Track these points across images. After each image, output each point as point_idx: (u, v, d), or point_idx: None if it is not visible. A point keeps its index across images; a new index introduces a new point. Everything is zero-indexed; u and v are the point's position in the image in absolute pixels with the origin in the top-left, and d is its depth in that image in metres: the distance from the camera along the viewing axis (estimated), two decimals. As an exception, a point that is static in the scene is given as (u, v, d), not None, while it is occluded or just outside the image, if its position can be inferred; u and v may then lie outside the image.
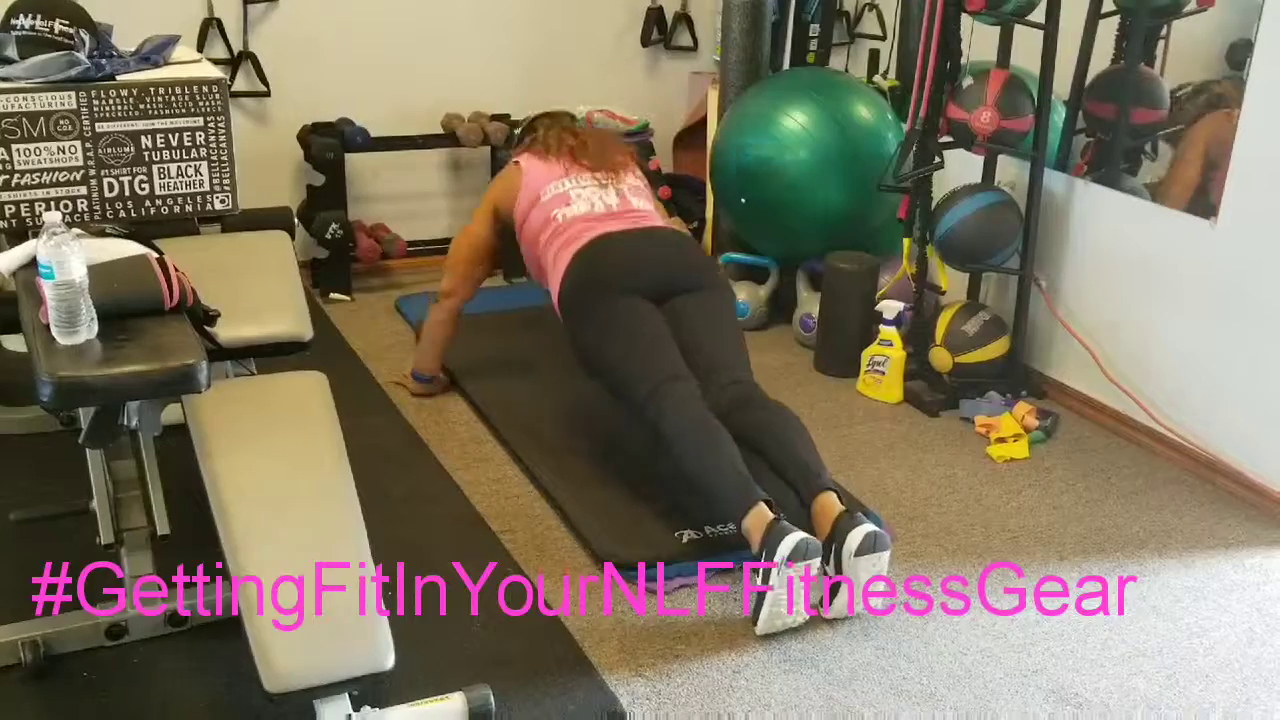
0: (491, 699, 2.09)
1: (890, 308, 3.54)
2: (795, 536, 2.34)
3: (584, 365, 3.00)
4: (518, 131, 3.59)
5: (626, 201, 3.11)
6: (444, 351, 3.42)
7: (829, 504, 2.51)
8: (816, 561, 2.37)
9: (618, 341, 2.82)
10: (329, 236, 4.01)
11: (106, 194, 2.32)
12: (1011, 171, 3.58)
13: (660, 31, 4.66)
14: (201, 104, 2.35)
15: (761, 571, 2.38)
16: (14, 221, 2.27)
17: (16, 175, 2.25)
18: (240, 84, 4.03)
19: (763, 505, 2.46)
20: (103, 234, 2.14)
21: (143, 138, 2.32)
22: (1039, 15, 3.26)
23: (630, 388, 2.75)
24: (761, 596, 2.39)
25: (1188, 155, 3.17)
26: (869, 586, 2.45)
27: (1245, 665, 2.42)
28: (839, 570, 2.43)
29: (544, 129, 3.36)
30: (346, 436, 2.22)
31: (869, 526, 2.42)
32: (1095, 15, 3.34)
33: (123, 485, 2.28)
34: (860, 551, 2.39)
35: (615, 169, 3.18)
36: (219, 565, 2.05)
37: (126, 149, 2.32)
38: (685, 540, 2.69)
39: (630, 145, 3.40)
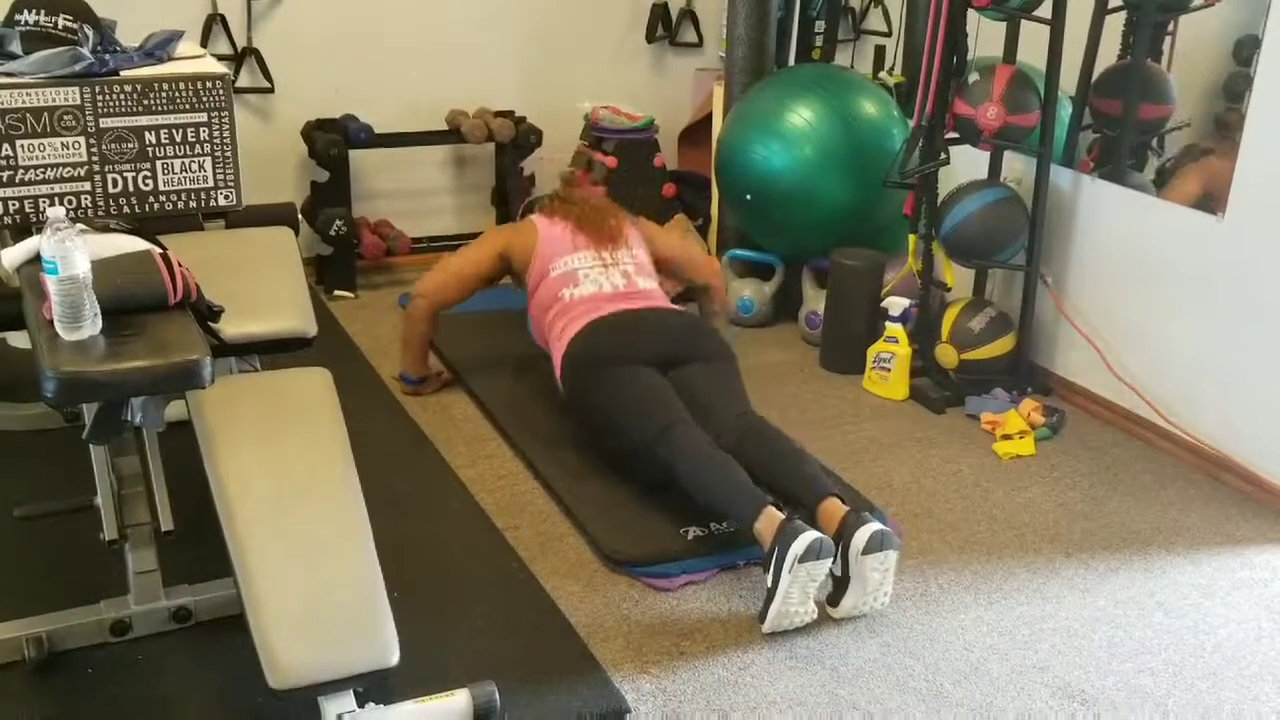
0: (496, 696, 2.08)
1: (896, 304, 3.53)
2: (809, 536, 2.34)
3: (591, 432, 3.04)
4: (521, 210, 3.66)
5: (633, 283, 3.16)
6: (426, 350, 3.43)
7: (834, 506, 2.51)
8: (828, 562, 2.37)
9: (620, 398, 2.84)
10: (333, 233, 4.00)
11: (110, 189, 2.32)
12: (1017, 167, 3.56)
13: (665, 28, 4.65)
14: (205, 100, 2.35)
15: (771, 570, 2.37)
16: (18, 217, 2.27)
17: (20, 171, 2.25)
18: (244, 80, 4.03)
19: (772, 507, 2.47)
20: (107, 229, 2.14)
21: (146, 133, 2.32)
22: (1045, 10, 3.25)
23: (640, 434, 2.76)
24: (770, 594, 2.38)
25: (1186, 188, 3.18)
26: (876, 589, 2.44)
27: (1253, 662, 2.41)
28: (846, 570, 2.42)
29: (544, 200, 3.48)
30: (351, 433, 2.22)
31: (876, 525, 2.41)
32: (1102, 10, 3.33)
33: (127, 481, 2.28)
34: (868, 550, 2.39)
35: (615, 237, 3.24)
36: (223, 562, 2.04)
37: (130, 144, 2.31)
38: (691, 537, 2.68)
39: (619, 207, 3.44)
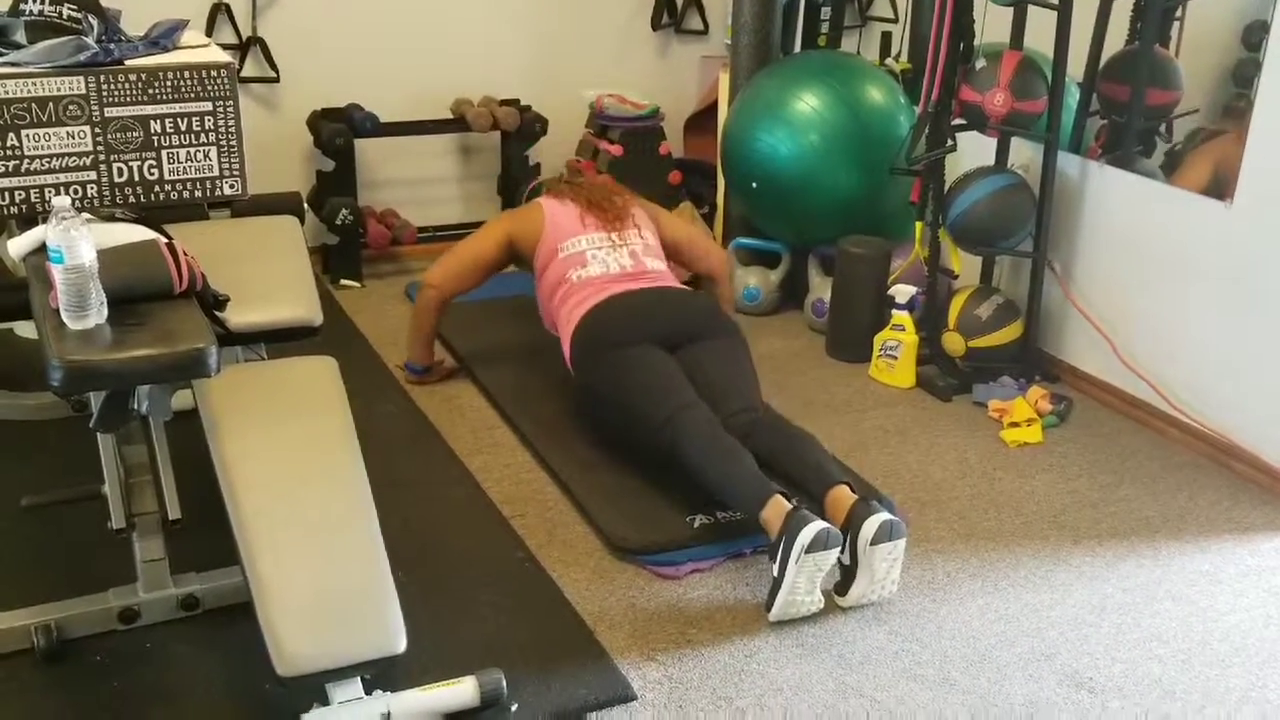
0: (503, 683, 2.09)
1: (903, 292, 3.52)
2: (817, 525, 2.34)
3: (597, 412, 3.04)
4: (526, 194, 3.65)
5: (640, 263, 3.16)
6: (433, 340, 3.43)
7: (842, 494, 2.51)
8: (835, 552, 2.36)
9: (630, 381, 2.84)
10: (339, 222, 4.00)
11: (116, 179, 2.32)
12: (1025, 154, 3.55)
13: (670, 15, 4.63)
14: (210, 89, 2.34)
15: (778, 560, 2.37)
16: (24, 207, 2.27)
17: (26, 160, 2.25)
18: (249, 69, 4.02)
19: (779, 496, 2.46)
20: (112, 219, 2.14)
21: (152, 123, 2.32)
22: (1053, -4, 3.24)
23: (645, 418, 2.76)
24: (777, 583, 2.38)
25: (1195, 169, 3.16)
26: (884, 578, 2.44)
27: (1261, 649, 2.41)
28: (854, 559, 2.42)
29: (549, 183, 3.48)
30: (356, 421, 2.22)
31: (885, 515, 2.41)
32: (1110, -5, 3.32)
33: (134, 470, 2.28)
34: (876, 540, 2.38)
35: (623, 217, 3.24)
36: (230, 550, 2.05)
37: (135, 134, 2.31)
38: (697, 525, 2.68)
39: (626, 188, 3.44)
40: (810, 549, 2.32)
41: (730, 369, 2.91)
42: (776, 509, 2.43)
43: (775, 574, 2.39)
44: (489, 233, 3.34)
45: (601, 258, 3.14)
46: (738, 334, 3.04)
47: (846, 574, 2.45)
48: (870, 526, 2.39)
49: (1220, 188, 3.07)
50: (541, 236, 3.23)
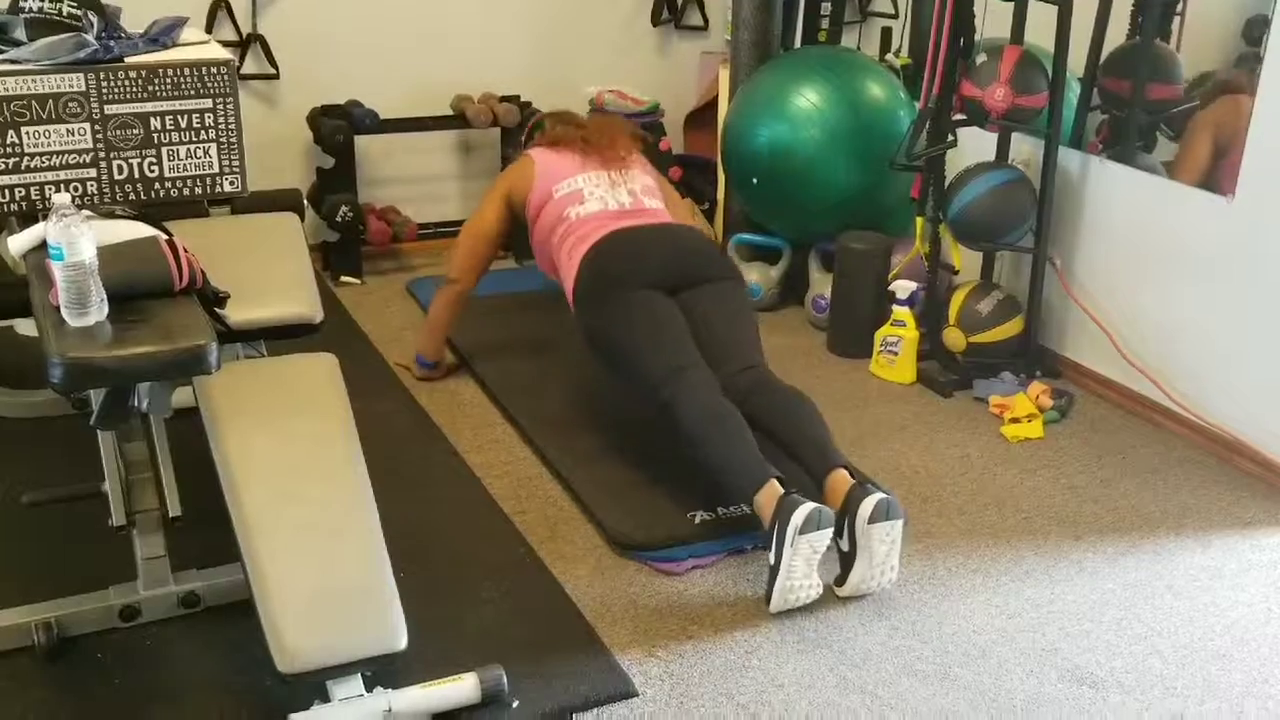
0: (504, 679, 2.09)
1: (903, 288, 3.51)
2: (808, 506, 2.34)
3: (596, 355, 3.00)
4: (525, 132, 3.60)
5: (639, 201, 3.13)
6: (446, 335, 3.42)
7: (841, 479, 2.51)
8: (829, 532, 2.36)
9: (631, 331, 2.82)
10: (339, 219, 4.00)
11: (116, 176, 2.32)
12: (1025, 149, 3.55)
13: (670, 11, 4.63)
14: (210, 86, 2.34)
15: (774, 546, 2.37)
16: (24, 204, 2.27)
17: (26, 158, 2.25)
18: (249, 66, 4.02)
19: (774, 481, 2.46)
20: (112, 216, 2.14)
21: (152, 120, 2.32)
22: (1053, -9, 3.23)
23: (644, 375, 2.75)
24: (774, 571, 2.38)
25: (1196, 139, 3.14)
26: (883, 562, 2.44)
27: (1263, 644, 2.40)
28: (853, 542, 2.41)
29: (549, 125, 3.40)
30: (357, 418, 2.22)
31: (880, 494, 2.41)
32: (1110, -10, 3.31)
33: (134, 467, 2.28)
34: (873, 519, 2.38)
35: (625, 161, 3.21)
36: (231, 547, 2.05)
37: (135, 131, 2.31)
38: (698, 521, 2.68)
39: (635, 126, 3.39)
40: (804, 529, 2.32)
41: (732, 322, 2.89)
42: (769, 495, 2.43)
43: (771, 561, 2.39)
44: (485, 204, 3.31)
45: (600, 195, 3.10)
46: (739, 278, 3.03)
47: (845, 561, 2.45)
48: (867, 506, 2.39)
49: (1220, 154, 3.04)
50: (534, 184, 3.19)
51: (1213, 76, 3.14)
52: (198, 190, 2.39)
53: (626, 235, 2.98)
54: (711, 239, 3.14)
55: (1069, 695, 2.24)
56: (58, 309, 1.88)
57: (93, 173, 2.30)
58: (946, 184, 3.49)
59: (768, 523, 2.41)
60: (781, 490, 2.43)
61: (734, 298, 2.96)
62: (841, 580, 2.47)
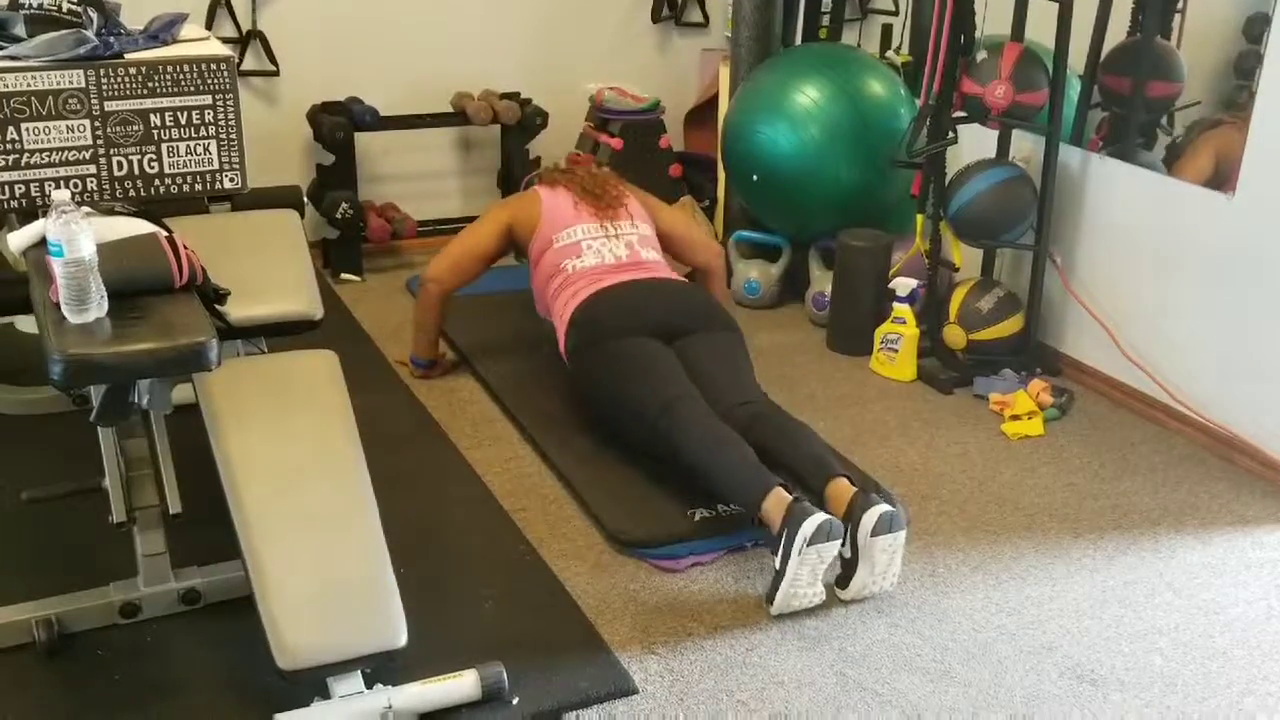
0: (504, 676, 2.10)
1: (903, 285, 3.51)
2: (819, 518, 2.34)
3: (592, 405, 3.04)
4: (524, 185, 3.61)
5: (636, 254, 3.16)
6: (438, 335, 3.42)
7: (842, 487, 2.50)
8: (837, 544, 2.36)
9: (625, 373, 2.85)
10: (339, 216, 4.00)
11: (116, 173, 2.32)
12: (1026, 146, 3.55)
13: (671, 8, 4.62)
14: (210, 82, 2.34)
15: (780, 552, 2.37)
16: (24, 201, 2.27)
17: (26, 154, 2.25)
18: (249, 63, 4.01)
19: (780, 488, 2.46)
20: (112, 212, 2.14)
21: (151, 116, 2.32)
22: (1054, -12, 3.23)
23: (641, 409, 2.76)
24: (779, 576, 2.38)
25: (1197, 160, 3.15)
26: (884, 570, 2.44)
27: (1263, 642, 2.40)
28: (855, 551, 2.41)
29: (544, 171, 3.47)
30: (357, 415, 2.22)
31: (884, 507, 2.41)
32: (1111, -13, 3.31)
33: (134, 464, 2.28)
34: (876, 531, 2.38)
35: (617, 206, 3.25)
36: (231, 544, 2.05)
37: (135, 127, 2.31)
38: (697, 518, 2.68)
39: (621, 178, 3.43)
40: (813, 540, 2.32)
41: (727, 364, 2.91)
42: (777, 502, 2.43)
43: (777, 567, 2.39)
44: (487, 222, 3.33)
45: (597, 248, 3.14)
46: (735, 329, 3.04)
47: (847, 566, 2.45)
48: (870, 518, 2.39)
49: (1222, 180, 3.06)
50: (538, 225, 3.23)
51: (1206, 120, 3.17)
52: (198, 187, 2.39)
53: (622, 290, 3.02)
54: (709, 296, 3.17)
55: (1069, 692, 2.24)
56: (58, 306, 1.88)
57: (93, 169, 2.30)
58: (947, 181, 3.49)
59: (776, 528, 2.40)
60: (790, 497, 2.43)
61: (730, 344, 2.98)
62: (844, 584, 2.46)
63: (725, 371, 2.88)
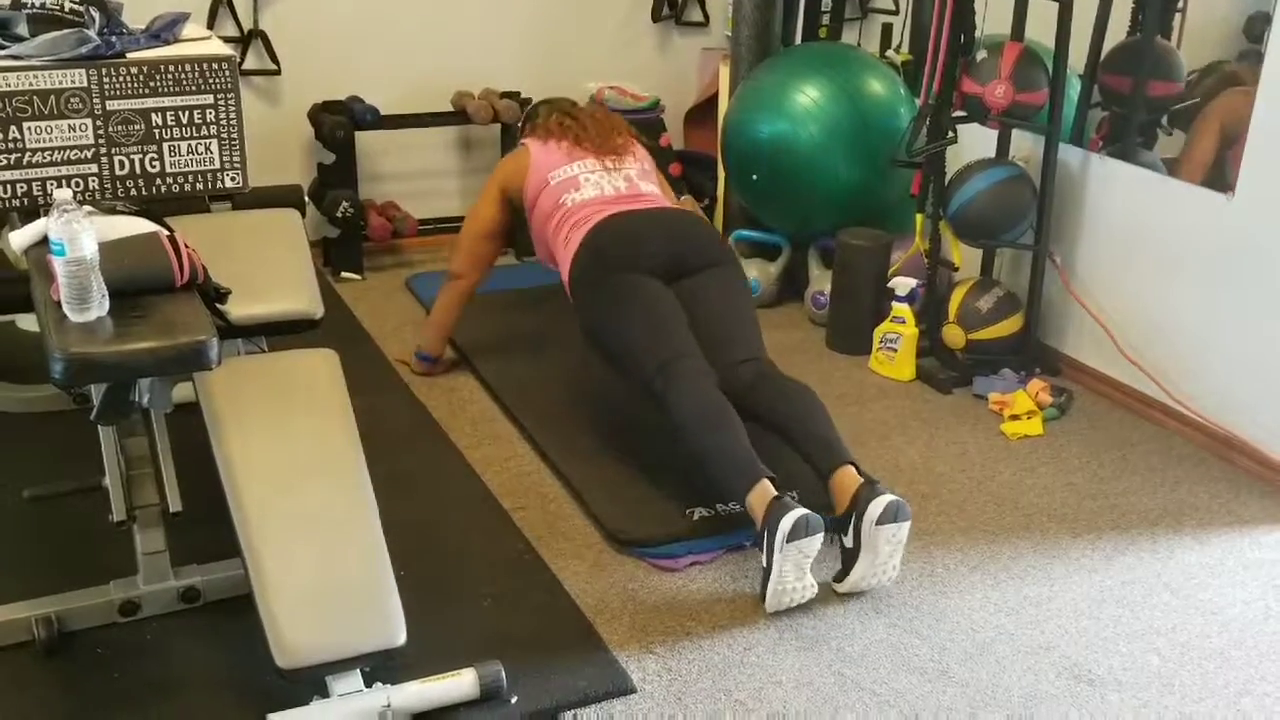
0: (503, 675, 2.10)
1: (903, 284, 3.52)
2: (795, 514, 2.34)
3: (592, 343, 3.00)
4: (522, 119, 3.58)
5: (635, 186, 3.12)
6: (450, 332, 3.42)
7: (848, 476, 2.51)
8: (819, 537, 2.36)
9: (627, 317, 2.82)
10: (340, 215, 4.00)
11: (117, 172, 2.32)
12: (1026, 146, 3.55)
13: (671, 7, 4.63)
14: (212, 82, 2.34)
15: (764, 549, 2.38)
16: (26, 200, 2.27)
17: (28, 154, 2.25)
18: (250, 62, 4.02)
19: (766, 482, 2.46)
20: (113, 211, 2.14)
21: (153, 115, 2.32)
22: (1054, -12, 3.23)
23: (639, 363, 2.75)
24: (766, 574, 2.39)
25: (1203, 131, 3.14)
26: (885, 561, 2.44)
27: (1260, 642, 2.41)
28: (859, 541, 2.42)
29: (544, 115, 3.37)
30: (357, 414, 2.22)
31: (890, 496, 2.41)
32: (1111, -13, 3.31)
33: (135, 462, 2.29)
34: (882, 520, 2.39)
35: (618, 151, 3.20)
36: (231, 542, 2.05)
37: (137, 127, 2.31)
38: (696, 518, 2.69)
39: (629, 124, 3.38)
40: (791, 537, 2.32)
41: (732, 312, 2.88)
42: (761, 496, 2.43)
43: (764, 564, 2.40)
44: (483, 199, 3.30)
45: (595, 180, 3.09)
46: (736, 264, 3.03)
47: (848, 557, 2.45)
48: (876, 507, 2.39)
49: (1224, 174, 3.06)
50: (529, 175, 3.18)
51: (1220, 67, 3.12)
52: (199, 186, 2.39)
53: (624, 219, 2.97)
54: (708, 222, 3.12)
55: (1067, 692, 2.24)
56: (59, 304, 1.89)
57: (94, 168, 2.31)
58: (946, 181, 3.49)
59: (759, 526, 2.41)
60: (774, 492, 2.43)
61: (732, 285, 2.95)
62: (841, 577, 2.47)
63: (727, 322, 2.85)
